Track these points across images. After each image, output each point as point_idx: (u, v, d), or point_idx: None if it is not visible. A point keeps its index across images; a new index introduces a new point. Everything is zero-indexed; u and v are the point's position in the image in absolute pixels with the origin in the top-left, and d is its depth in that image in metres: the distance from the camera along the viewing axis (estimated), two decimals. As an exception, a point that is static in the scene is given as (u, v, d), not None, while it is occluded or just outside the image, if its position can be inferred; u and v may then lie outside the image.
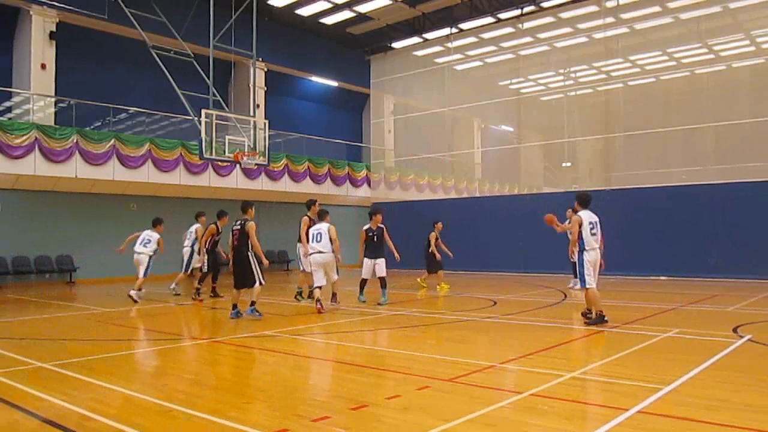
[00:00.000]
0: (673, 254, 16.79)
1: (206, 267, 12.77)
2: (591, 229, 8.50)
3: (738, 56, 20.58)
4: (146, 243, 12.67)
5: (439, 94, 24.92)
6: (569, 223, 13.31)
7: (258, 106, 20.24)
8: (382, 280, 11.27)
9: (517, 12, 22.06)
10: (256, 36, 16.55)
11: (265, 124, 17.00)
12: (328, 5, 21.48)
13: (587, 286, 8.40)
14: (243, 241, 9.46)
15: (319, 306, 10.07)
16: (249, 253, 9.44)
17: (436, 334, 8.25)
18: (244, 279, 9.50)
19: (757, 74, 19.74)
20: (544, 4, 21.53)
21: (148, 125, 19.28)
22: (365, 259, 11.28)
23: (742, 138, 18.17)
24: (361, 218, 25.60)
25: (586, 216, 8.57)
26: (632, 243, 17.20)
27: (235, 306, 9.57)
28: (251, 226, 9.47)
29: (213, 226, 12.81)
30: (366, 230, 11.41)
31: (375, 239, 11.22)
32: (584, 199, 8.80)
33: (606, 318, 8.38)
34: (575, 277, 13.26)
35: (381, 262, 11.19)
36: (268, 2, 20.87)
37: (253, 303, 9.47)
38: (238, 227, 9.55)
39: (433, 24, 23.76)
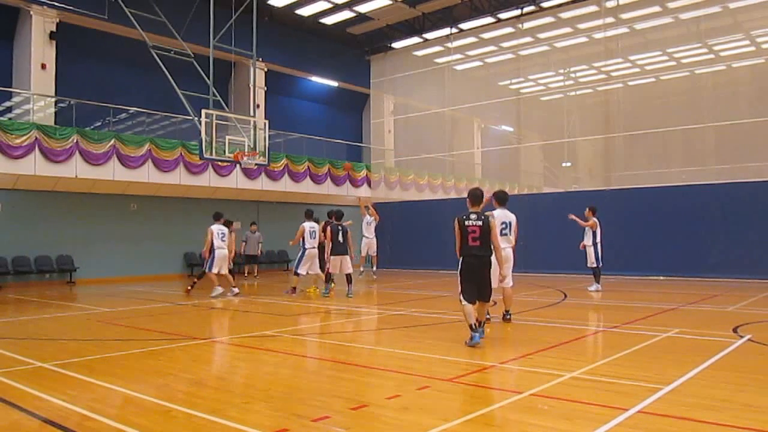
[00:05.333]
0: (673, 254, 16.79)
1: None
2: (502, 229, 8.66)
3: (738, 56, 20.56)
4: (222, 237, 13.43)
5: (439, 94, 24.90)
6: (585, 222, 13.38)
7: (258, 106, 20.24)
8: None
9: (517, 12, 22.05)
10: (256, 36, 16.55)
11: (265, 124, 17.00)
12: (328, 5, 21.48)
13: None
14: (486, 240, 7.07)
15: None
16: (493, 258, 7.16)
17: (436, 334, 8.24)
18: (485, 290, 7.11)
19: (757, 74, 19.73)
20: (544, 4, 21.52)
21: (148, 125, 19.28)
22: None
23: (742, 138, 18.16)
24: (361, 218, 25.61)
25: (500, 215, 8.69)
26: (632, 243, 17.20)
27: (480, 323, 7.16)
28: (494, 222, 7.25)
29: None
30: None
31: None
32: (501, 198, 8.96)
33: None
34: (596, 282, 13.44)
35: None
36: (268, 2, 20.86)
37: (483, 322, 7.28)
38: (478, 223, 7.05)
39: (433, 24, 23.76)
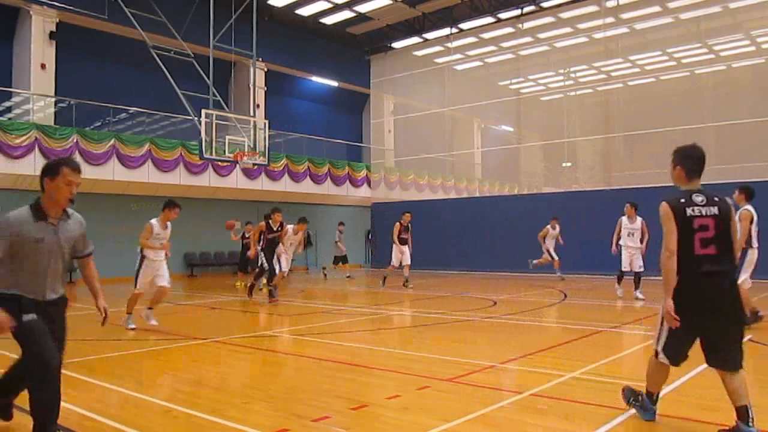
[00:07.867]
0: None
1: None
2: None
3: (738, 56, 20.58)
4: None
5: (439, 94, 24.92)
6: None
7: (258, 106, 20.24)
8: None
9: (517, 12, 22.06)
10: (256, 36, 16.55)
11: (265, 124, 17.01)
12: (328, 5, 21.49)
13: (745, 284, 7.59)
14: (726, 243, 3.85)
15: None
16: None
17: (436, 334, 8.24)
18: (725, 343, 3.93)
19: (757, 74, 19.75)
20: (544, 4, 21.53)
21: (148, 125, 19.28)
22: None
23: (742, 138, 18.16)
24: (361, 218, 25.61)
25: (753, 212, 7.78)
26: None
27: (653, 396, 4.16)
28: (733, 210, 4.05)
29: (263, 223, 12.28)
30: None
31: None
32: (751, 192, 7.80)
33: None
34: (619, 284, 11.94)
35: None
36: (268, 2, 20.87)
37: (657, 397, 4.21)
38: (712, 210, 3.83)
39: (433, 24, 23.77)
